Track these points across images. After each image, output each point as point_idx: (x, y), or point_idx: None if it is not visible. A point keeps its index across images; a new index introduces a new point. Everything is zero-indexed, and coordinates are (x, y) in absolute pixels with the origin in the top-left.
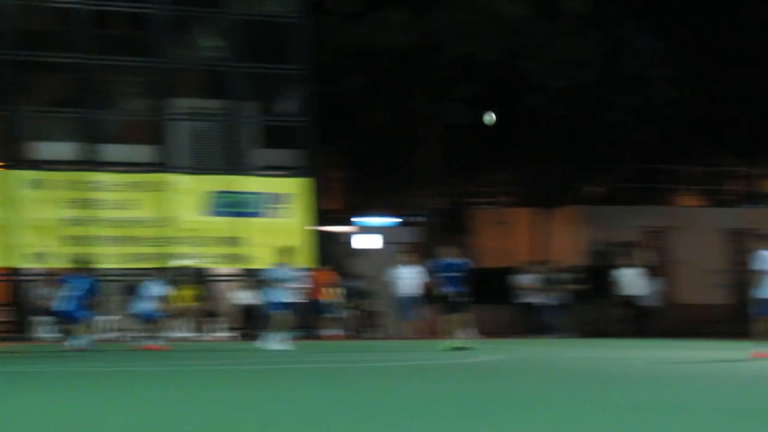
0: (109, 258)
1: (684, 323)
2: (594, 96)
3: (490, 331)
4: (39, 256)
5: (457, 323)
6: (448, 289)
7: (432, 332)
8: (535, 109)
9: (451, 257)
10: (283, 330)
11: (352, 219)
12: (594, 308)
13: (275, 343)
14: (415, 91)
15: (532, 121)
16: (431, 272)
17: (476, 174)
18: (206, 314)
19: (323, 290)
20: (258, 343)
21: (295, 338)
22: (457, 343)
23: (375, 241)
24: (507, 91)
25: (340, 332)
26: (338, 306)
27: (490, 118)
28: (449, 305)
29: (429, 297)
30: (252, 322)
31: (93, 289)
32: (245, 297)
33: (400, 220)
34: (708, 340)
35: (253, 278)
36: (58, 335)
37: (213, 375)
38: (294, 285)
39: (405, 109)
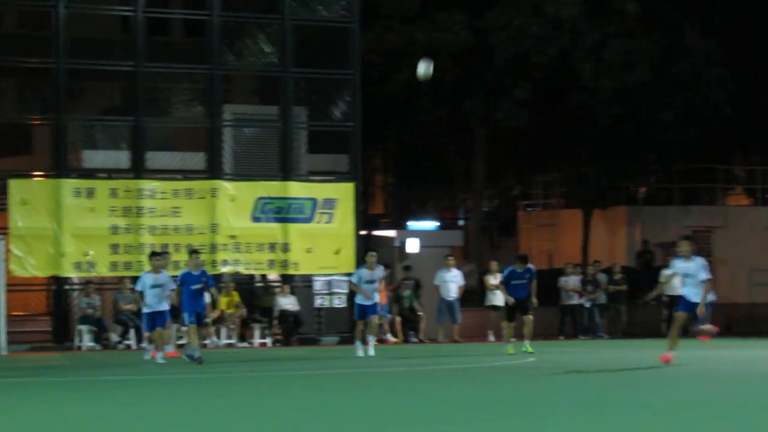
0: None
1: (732, 322)
2: (645, 97)
3: (534, 333)
4: (85, 265)
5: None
6: (514, 296)
7: (470, 336)
8: (585, 109)
9: (518, 265)
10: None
11: (398, 222)
12: (639, 308)
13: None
14: (467, 93)
15: (581, 122)
16: (502, 279)
17: (524, 176)
18: (250, 321)
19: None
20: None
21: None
22: (510, 349)
23: (414, 245)
24: (558, 93)
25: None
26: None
27: (425, 70)
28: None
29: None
30: (294, 328)
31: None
32: (287, 303)
33: (439, 223)
34: (752, 339)
35: (295, 284)
36: (96, 344)
37: (222, 382)
38: (378, 286)
39: (456, 112)
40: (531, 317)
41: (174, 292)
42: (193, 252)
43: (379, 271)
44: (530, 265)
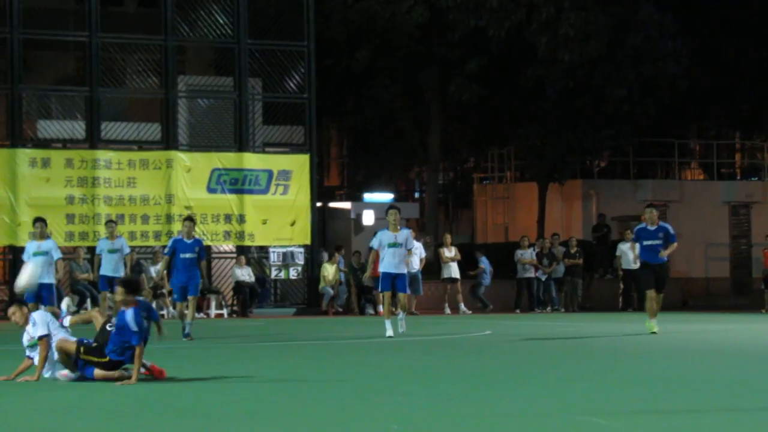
0: None
1: (689, 297)
2: (600, 70)
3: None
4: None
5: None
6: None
7: (426, 308)
8: (540, 83)
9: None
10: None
11: (354, 195)
12: (596, 282)
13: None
14: (423, 67)
15: (536, 95)
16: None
17: (479, 149)
18: (206, 291)
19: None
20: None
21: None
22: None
23: (370, 218)
24: (513, 66)
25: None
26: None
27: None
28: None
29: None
30: (250, 299)
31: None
32: (243, 274)
33: (394, 195)
34: (708, 314)
35: (251, 255)
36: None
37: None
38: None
39: (411, 85)
40: (661, 295)
41: (128, 256)
42: (187, 219)
43: (405, 234)
44: (664, 223)
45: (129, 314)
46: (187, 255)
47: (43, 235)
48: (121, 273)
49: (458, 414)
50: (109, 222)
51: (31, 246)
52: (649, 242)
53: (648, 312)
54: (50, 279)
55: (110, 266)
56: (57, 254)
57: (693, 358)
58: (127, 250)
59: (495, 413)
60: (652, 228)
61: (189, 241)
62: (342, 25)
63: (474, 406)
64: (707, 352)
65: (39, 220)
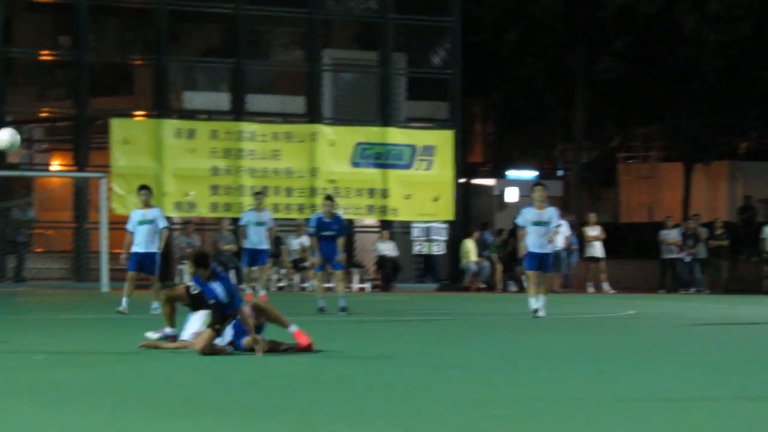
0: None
1: None
2: (749, 51)
3: (633, 286)
4: (185, 205)
5: None
6: None
7: (569, 287)
8: (688, 63)
9: None
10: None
11: (497, 171)
12: (741, 264)
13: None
14: (569, 46)
15: (684, 75)
16: None
17: (625, 128)
18: (349, 266)
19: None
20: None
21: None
22: None
23: (514, 195)
24: (661, 45)
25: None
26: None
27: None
28: None
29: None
30: (393, 274)
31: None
32: (386, 249)
33: (537, 173)
34: None
35: (394, 230)
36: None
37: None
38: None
39: (558, 63)
40: None
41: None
42: (327, 198)
43: (551, 212)
44: None
45: (216, 287)
46: (329, 233)
47: (148, 203)
48: (265, 246)
49: (606, 395)
50: (258, 194)
51: (136, 215)
52: None
53: None
54: (154, 248)
55: (255, 239)
56: (163, 223)
57: None
58: (273, 223)
59: (643, 395)
60: None
61: (329, 220)
62: (490, 7)
63: (622, 387)
64: None
65: (144, 188)
